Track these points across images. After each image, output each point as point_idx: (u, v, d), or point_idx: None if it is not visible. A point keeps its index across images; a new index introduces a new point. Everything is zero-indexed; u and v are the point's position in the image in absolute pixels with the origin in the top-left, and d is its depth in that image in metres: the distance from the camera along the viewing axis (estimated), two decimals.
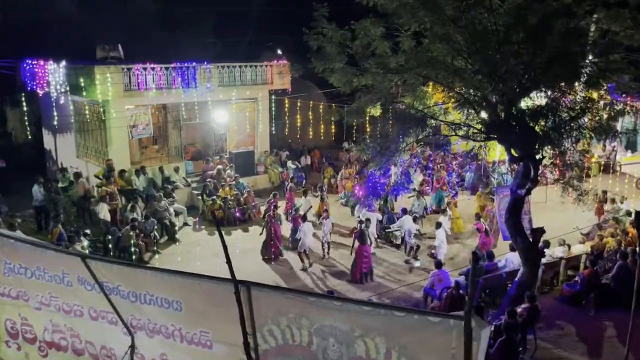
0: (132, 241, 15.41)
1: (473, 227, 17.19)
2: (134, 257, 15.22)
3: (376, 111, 13.19)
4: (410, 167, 22.08)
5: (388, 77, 11.92)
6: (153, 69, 19.66)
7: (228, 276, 4.94)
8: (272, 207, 17.13)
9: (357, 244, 15.09)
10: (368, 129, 16.09)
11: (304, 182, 23.43)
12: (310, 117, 24.59)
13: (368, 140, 12.90)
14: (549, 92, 11.10)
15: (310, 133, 25.65)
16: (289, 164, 24.23)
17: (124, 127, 19.41)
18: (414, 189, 20.01)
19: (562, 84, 10.96)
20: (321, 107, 24.78)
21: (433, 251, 15.94)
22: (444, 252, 15.54)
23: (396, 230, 17.04)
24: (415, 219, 16.82)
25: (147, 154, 22.15)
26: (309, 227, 15.90)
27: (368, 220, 15.82)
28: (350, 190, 21.31)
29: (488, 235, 15.64)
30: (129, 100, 19.46)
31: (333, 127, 25.36)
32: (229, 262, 4.94)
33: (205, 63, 21.09)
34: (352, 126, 24.44)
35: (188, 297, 5.05)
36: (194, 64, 20.66)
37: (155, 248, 16.63)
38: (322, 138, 26.55)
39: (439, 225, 15.80)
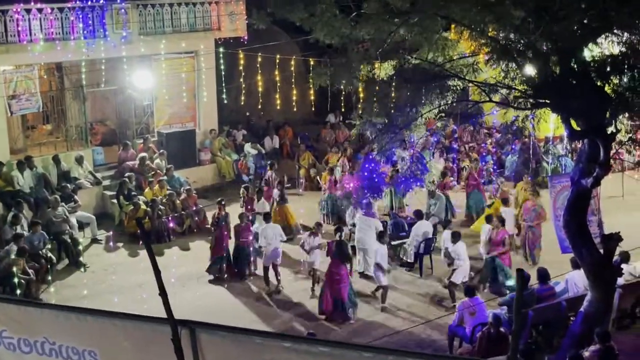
0: (15, 268, 15.31)
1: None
2: (18, 291, 15.13)
3: (384, 70, 13.27)
4: (426, 150, 22.35)
5: (393, 22, 12.00)
6: (40, 10, 19.46)
7: (162, 314, 5.00)
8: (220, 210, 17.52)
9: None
10: (362, 95, 16.22)
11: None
12: (278, 78, 24.56)
13: (362, 113, 13.00)
14: (625, 36, 11.27)
15: (278, 102, 25.64)
16: (248, 147, 24.24)
17: None
18: (432, 182, 20.14)
19: None
20: (293, 63, 24.80)
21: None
22: (464, 274, 15.76)
23: (404, 242, 17.27)
24: (436, 227, 16.94)
25: (34, 138, 21.94)
26: (274, 230, 16.26)
27: (353, 225, 16.09)
28: (342, 190, 21.54)
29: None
30: (5, 58, 19.28)
31: (312, 93, 25.37)
32: (163, 293, 5.00)
33: (119, 1, 20.94)
34: (339, 92, 24.47)
35: (106, 345, 5.10)
36: (101, 2, 20.49)
37: (49, 277, 16.54)
38: (296, 109, 26.56)
39: (456, 236, 15.82)
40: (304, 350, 4.68)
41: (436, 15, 11.71)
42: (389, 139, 12.36)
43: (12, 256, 15.45)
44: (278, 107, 25.86)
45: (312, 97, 25.23)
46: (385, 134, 12.29)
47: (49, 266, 16.66)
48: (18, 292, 15.11)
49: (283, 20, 14.71)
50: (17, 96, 19.73)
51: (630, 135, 12.06)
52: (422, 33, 12.34)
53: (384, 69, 13.20)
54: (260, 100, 25.06)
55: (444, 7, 11.44)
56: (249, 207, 18.86)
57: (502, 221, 16.36)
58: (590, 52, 11.64)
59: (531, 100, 11.87)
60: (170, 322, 4.90)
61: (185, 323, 4.95)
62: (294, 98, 25.44)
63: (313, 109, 27.85)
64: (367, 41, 12.75)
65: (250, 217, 18.06)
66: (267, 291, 16.13)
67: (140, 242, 17.60)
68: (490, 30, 11.80)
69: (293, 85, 24.73)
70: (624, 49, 11.19)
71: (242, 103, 25.58)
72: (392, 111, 12.53)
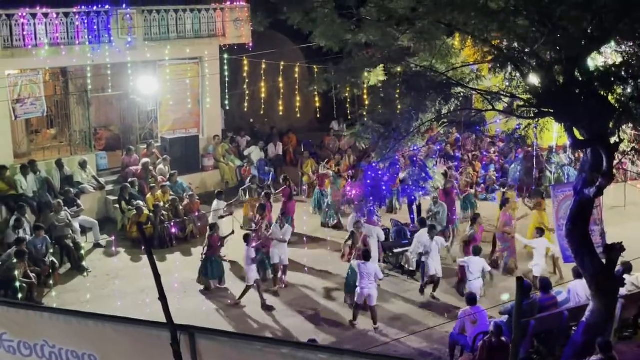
0: (16, 272, 15.31)
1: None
2: (20, 295, 15.13)
3: (375, 77, 13.32)
4: (430, 158, 22.35)
5: (394, 28, 12.03)
6: (46, 15, 19.52)
7: (162, 319, 5.00)
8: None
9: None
10: (366, 102, 16.25)
11: (271, 181, 23.49)
12: (282, 85, 24.61)
13: (366, 119, 13.01)
14: (629, 45, 11.28)
15: (282, 109, 25.70)
16: (252, 151, 24.20)
17: (4, 102, 19.27)
18: (436, 189, 20.13)
19: None
20: (297, 70, 24.85)
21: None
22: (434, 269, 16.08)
23: (406, 250, 17.26)
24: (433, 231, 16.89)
25: (38, 142, 22.00)
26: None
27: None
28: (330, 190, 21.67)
29: None
30: (10, 62, 19.34)
31: (316, 99, 25.43)
32: (163, 298, 5.01)
33: (125, 7, 21.04)
34: (344, 99, 24.50)
35: (106, 349, 5.11)
36: (107, 7, 20.58)
37: (51, 281, 16.55)
38: (300, 117, 26.59)
39: (432, 231, 16.30)
40: (302, 357, 4.68)
41: (439, 22, 11.73)
42: (391, 146, 12.36)
43: (14, 260, 15.46)
44: (282, 114, 25.95)
45: (316, 105, 25.31)
46: (386, 140, 12.29)
47: (51, 270, 16.65)
48: (20, 296, 15.12)
49: (287, 28, 14.76)
50: (21, 100, 19.76)
51: (634, 145, 12.06)
52: (425, 40, 12.36)
53: (375, 76, 13.24)
54: (264, 107, 25.13)
55: (447, 14, 11.47)
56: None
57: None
58: (593, 62, 11.65)
59: (534, 109, 11.87)
60: (170, 327, 4.91)
61: (184, 328, 4.95)
62: (298, 105, 25.50)
63: (317, 116, 27.91)
64: (372, 47, 12.76)
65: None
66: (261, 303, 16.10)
67: (143, 247, 17.60)
68: (493, 38, 11.83)
69: (297, 93, 24.78)
70: (627, 58, 11.21)
71: (246, 109, 25.63)
72: (395, 118, 12.54)
